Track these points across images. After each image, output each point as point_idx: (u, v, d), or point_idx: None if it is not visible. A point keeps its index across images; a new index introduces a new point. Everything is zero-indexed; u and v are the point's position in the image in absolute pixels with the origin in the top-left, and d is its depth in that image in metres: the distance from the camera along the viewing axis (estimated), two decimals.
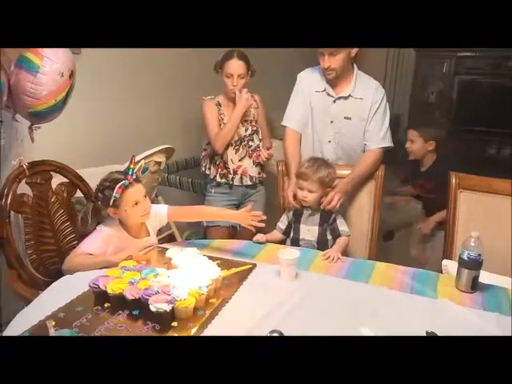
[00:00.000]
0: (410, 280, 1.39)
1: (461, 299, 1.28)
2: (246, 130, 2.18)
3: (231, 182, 2.19)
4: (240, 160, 2.19)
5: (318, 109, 1.95)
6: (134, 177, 1.47)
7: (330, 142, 1.96)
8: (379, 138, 1.92)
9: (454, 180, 1.74)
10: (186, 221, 1.81)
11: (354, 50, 1.84)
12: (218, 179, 2.19)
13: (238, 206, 2.22)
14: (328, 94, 1.92)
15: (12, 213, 1.58)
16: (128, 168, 1.46)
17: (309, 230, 1.73)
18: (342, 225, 1.73)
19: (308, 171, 1.70)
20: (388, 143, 1.94)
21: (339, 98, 1.92)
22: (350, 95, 1.90)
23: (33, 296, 1.32)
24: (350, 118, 1.91)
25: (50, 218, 1.71)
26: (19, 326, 1.10)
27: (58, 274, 1.43)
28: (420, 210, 2.75)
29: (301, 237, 1.73)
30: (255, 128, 2.22)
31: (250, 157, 2.20)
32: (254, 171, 2.22)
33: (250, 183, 2.22)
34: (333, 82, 1.91)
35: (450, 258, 1.67)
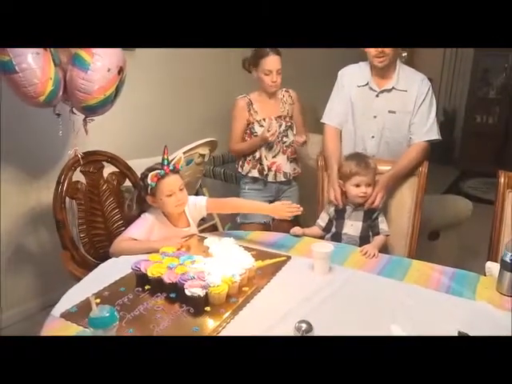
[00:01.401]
0: (447, 280, 1.36)
1: (501, 303, 1.24)
2: (280, 125, 2.16)
3: (265, 179, 2.19)
4: (274, 156, 2.18)
5: (359, 104, 1.92)
6: (171, 168, 1.53)
7: (373, 137, 1.93)
8: (424, 130, 1.87)
9: (502, 179, 1.67)
10: (224, 212, 1.86)
11: None
12: (255, 175, 2.19)
13: (272, 203, 2.23)
14: (370, 88, 1.90)
15: (67, 199, 1.72)
16: (163, 159, 1.52)
17: (352, 225, 1.72)
18: (382, 223, 1.71)
19: (361, 168, 1.69)
20: (434, 136, 1.88)
21: (382, 92, 1.89)
22: (393, 87, 1.87)
23: (83, 276, 1.43)
24: (394, 112, 1.87)
25: (101, 205, 1.84)
26: (69, 301, 1.21)
27: (107, 256, 1.54)
28: (471, 209, 2.64)
29: (344, 231, 1.72)
30: (289, 124, 2.20)
31: (284, 153, 2.20)
32: (288, 167, 2.22)
33: (283, 179, 2.22)
34: (376, 75, 1.89)
35: (494, 260, 1.60)
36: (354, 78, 1.95)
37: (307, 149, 2.41)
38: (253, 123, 2.17)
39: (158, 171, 1.51)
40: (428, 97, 1.86)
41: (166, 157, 1.53)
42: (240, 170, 2.25)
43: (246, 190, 2.24)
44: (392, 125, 1.89)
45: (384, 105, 1.89)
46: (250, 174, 2.20)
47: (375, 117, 1.91)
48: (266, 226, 2.19)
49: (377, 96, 1.90)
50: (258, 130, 2.16)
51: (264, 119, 2.17)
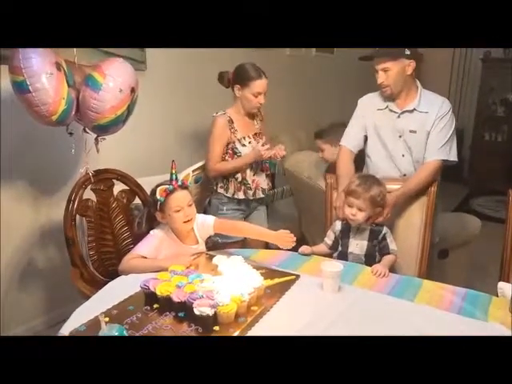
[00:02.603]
0: (459, 300, 1.34)
1: None
2: (258, 143, 2.18)
3: (251, 198, 2.20)
4: (254, 174, 2.20)
5: (383, 126, 1.95)
6: (180, 183, 1.54)
7: (403, 156, 1.95)
8: (436, 149, 1.87)
9: None
10: (230, 234, 1.83)
11: (410, 68, 1.85)
12: (241, 196, 2.18)
13: (245, 219, 2.25)
14: (391, 110, 1.94)
15: (77, 216, 1.74)
16: (171, 174, 1.54)
17: (357, 245, 1.71)
18: (392, 243, 1.69)
19: (359, 189, 1.66)
20: (445, 156, 1.88)
21: (403, 112, 1.92)
22: (414, 109, 1.90)
23: (92, 293, 1.43)
24: (415, 132, 1.90)
25: (111, 222, 1.85)
26: (77, 320, 1.21)
27: (116, 274, 1.54)
28: (480, 227, 2.62)
29: (349, 251, 1.71)
30: (264, 140, 2.23)
31: (262, 170, 2.23)
32: (265, 183, 2.25)
33: (262, 196, 2.24)
34: (394, 99, 1.92)
35: (506, 280, 1.58)
36: (373, 103, 1.99)
37: (315, 170, 2.43)
38: (234, 142, 2.16)
39: (167, 186, 1.52)
40: (447, 117, 1.88)
41: (173, 171, 1.54)
42: (223, 192, 2.20)
43: (224, 211, 2.20)
44: (413, 144, 1.92)
45: (405, 124, 1.92)
46: (235, 196, 2.19)
47: (400, 136, 1.94)
48: (243, 243, 2.17)
49: (398, 117, 1.93)
50: (242, 149, 2.16)
51: (244, 138, 2.18)
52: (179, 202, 1.54)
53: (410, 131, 1.90)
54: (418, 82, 1.94)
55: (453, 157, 1.90)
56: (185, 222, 1.56)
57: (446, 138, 1.88)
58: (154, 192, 1.56)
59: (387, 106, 1.94)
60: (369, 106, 2.00)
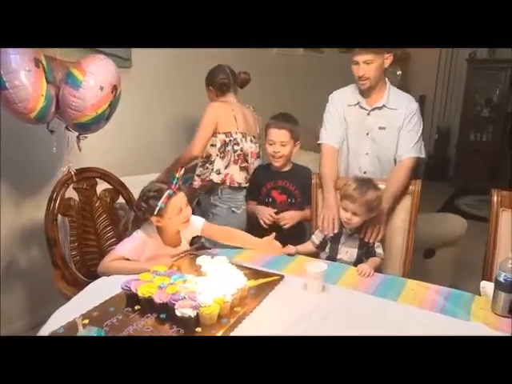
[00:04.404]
0: (442, 300, 1.34)
1: (496, 323, 1.22)
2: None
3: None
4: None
5: (352, 122, 1.96)
6: (177, 186, 1.51)
7: (367, 154, 1.96)
8: (410, 147, 1.89)
9: (495, 198, 1.67)
10: (218, 240, 1.74)
11: (387, 61, 1.86)
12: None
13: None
14: (361, 107, 1.94)
15: (59, 216, 1.70)
16: (173, 177, 1.50)
17: (347, 252, 1.68)
18: (378, 248, 1.68)
19: (356, 193, 1.61)
20: (419, 153, 1.91)
21: (373, 109, 1.93)
22: (384, 105, 1.91)
23: (74, 295, 1.40)
24: (384, 128, 1.91)
25: (94, 222, 1.82)
26: (57, 321, 1.18)
27: (98, 275, 1.51)
28: (466, 227, 2.65)
29: (338, 257, 1.69)
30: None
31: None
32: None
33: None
34: (366, 95, 1.93)
35: (489, 279, 1.59)
36: (344, 98, 1.99)
37: None
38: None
39: (168, 192, 1.48)
40: (416, 115, 1.90)
41: (177, 175, 1.51)
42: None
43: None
44: (382, 141, 1.93)
45: (375, 121, 1.93)
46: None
47: (367, 134, 1.94)
48: None
49: (368, 114, 1.93)
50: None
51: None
52: (179, 204, 1.51)
53: (380, 128, 1.91)
54: (386, 79, 1.95)
55: (424, 154, 1.94)
56: (183, 222, 1.55)
57: (418, 135, 1.91)
58: (148, 197, 1.50)
59: (358, 103, 1.94)
60: (340, 102, 1.99)
